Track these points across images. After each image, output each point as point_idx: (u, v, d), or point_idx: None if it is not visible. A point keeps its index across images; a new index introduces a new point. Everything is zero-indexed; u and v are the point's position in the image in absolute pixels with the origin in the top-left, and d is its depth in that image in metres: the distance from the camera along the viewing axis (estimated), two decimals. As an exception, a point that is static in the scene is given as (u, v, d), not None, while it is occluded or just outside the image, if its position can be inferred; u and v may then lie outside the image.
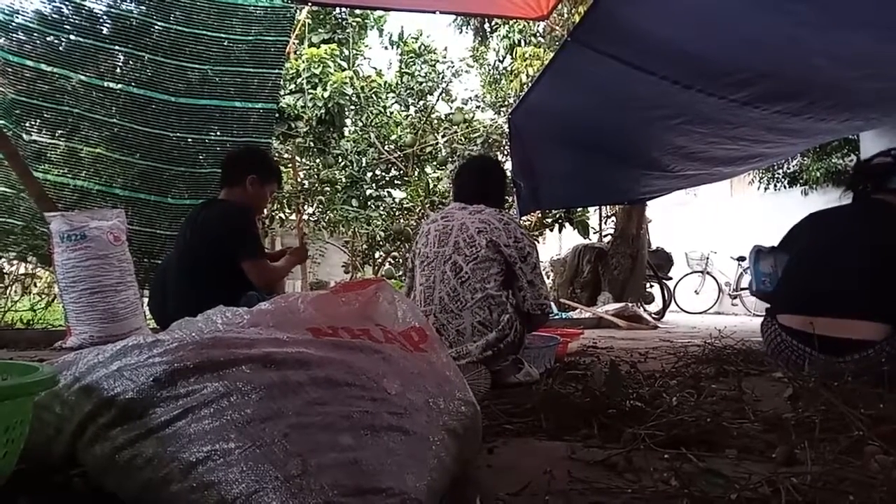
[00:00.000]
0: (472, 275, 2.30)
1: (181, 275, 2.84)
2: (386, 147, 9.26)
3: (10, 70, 4.43)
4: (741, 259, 8.62)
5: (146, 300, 3.81)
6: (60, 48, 4.52)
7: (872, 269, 2.30)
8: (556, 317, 6.63)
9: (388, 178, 9.42)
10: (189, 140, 5.27)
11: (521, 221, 8.08)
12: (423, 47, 9.69)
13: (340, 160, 8.69)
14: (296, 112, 7.95)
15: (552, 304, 7.38)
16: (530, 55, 8.77)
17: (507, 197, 3.23)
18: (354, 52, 9.70)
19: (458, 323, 2.27)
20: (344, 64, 8.80)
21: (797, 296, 2.49)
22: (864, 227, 2.44)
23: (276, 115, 6.31)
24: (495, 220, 2.39)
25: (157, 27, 4.71)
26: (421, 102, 9.66)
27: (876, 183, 2.50)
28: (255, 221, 2.93)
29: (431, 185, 8.76)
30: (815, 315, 2.24)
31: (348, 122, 9.06)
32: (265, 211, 7.73)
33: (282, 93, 7.64)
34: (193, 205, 5.14)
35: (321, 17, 9.38)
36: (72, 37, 4.53)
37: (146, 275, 5.12)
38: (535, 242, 2.61)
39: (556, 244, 14.13)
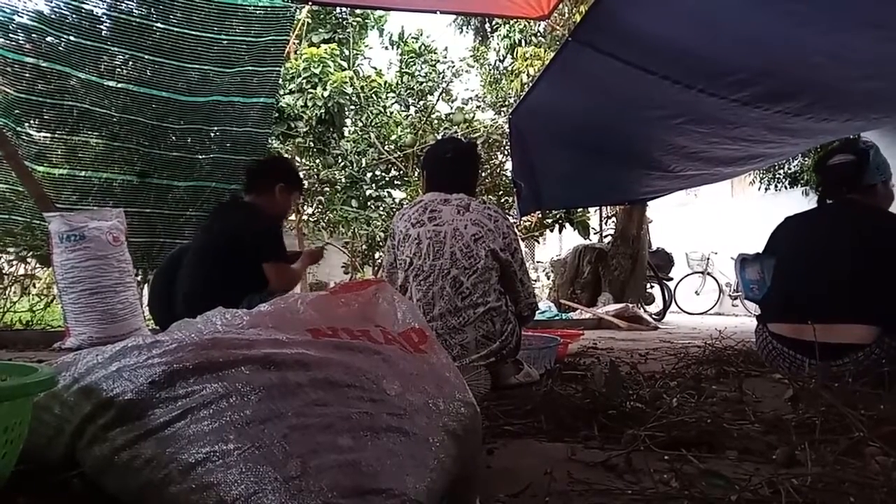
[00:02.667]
0: (473, 289, 2.21)
1: (199, 271, 2.82)
2: (386, 147, 9.25)
3: (9, 70, 4.43)
4: (741, 259, 8.59)
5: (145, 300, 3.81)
6: (60, 48, 4.52)
7: (857, 272, 2.30)
8: (557, 317, 6.63)
9: (388, 179, 9.40)
10: (189, 140, 5.28)
11: (522, 221, 8.09)
12: (423, 47, 9.67)
13: (340, 160, 8.68)
14: (295, 112, 7.94)
15: (549, 302, 7.42)
16: (531, 55, 8.76)
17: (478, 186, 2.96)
18: (354, 51, 9.69)
19: (462, 338, 2.20)
20: (344, 64, 8.79)
21: (784, 303, 2.49)
22: (845, 230, 2.43)
23: (275, 110, 6.32)
24: (485, 218, 2.31)
25: (157, 28, 4.71)
26: (421, 102, 9.65)
27: (850, 183, 2.49)
28: (281, 226, 3.03)
29: (431, 186, 8.73)
30: (803, 322, 2.23)
31: (348, 122, 9.05)
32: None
33: (282, 92, 7.63)
34: (193, 202, 5.19)
35: (321, 16, 9.37)
36: (71, 37, 4.53)
37: (145, 275, 5.12)
38: (518, 234, 2.56)
39: (557, 245, 14.14)
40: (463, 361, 2.16)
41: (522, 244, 8.44)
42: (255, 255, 2.77)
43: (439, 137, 9.09)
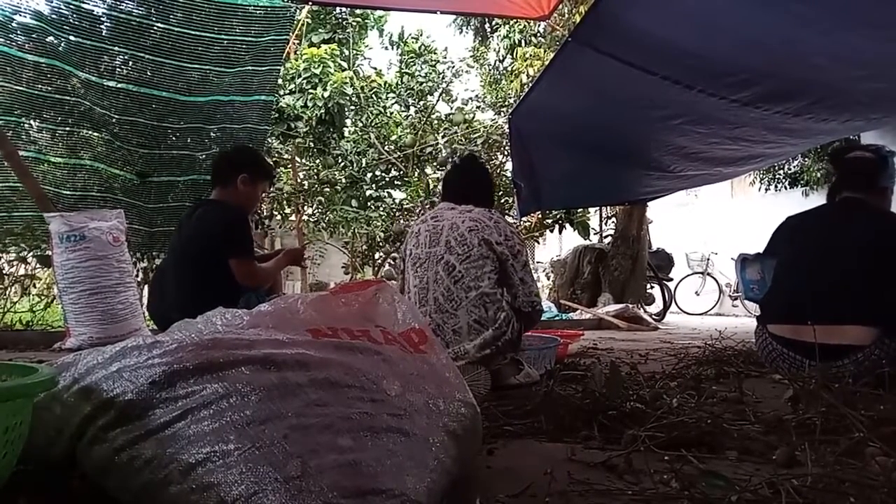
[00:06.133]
0: (465, 273, 2.28)
1: (178, 276, 2.83)
2: (386, 147, 9.24)
3: (9, 70, 4.43)
4: (742, 260, 8.60)
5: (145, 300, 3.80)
6: (60, 48, 4.52)
7: (859, 271, 2.30)
8: (557, 318, 6.63)
9: (388, 179, 9.39)
10: (189, 140, 5.28)
11: (522, 222, 8.10)
12: (423, 47, 9.67)
13: (340, 160, 8.68)
14: (295, 112, 7.94)
15: (549, 302, 7.43)
16: (531, 55, 8.76)
17: (495, 198, 3.20)
18: (354, 52, 9.69)
19: (454, 322, 2.25)
20: (344, 64, 8.79)
21: (785, 304, 2.49)
22: (849, 229, 2.45)
23: (275, 110, 6.33)
24: (485, 217, 2.39)
25: (157, 28, 4.71)
26: (421, 103, 9.64)
27: (868, 177, 2.51)
28: (247, 221, 2.92)
29: (431, 186, 8.75)
30: (803, 323, 2.23)
31: (348, 122, 9.04)
32: (264, 210, 7.73)
33: (282, 93, 7.63)
34: (193, 200, 5.18)
35: (321, 16, 9.37)
36: (72, 37, 4.53)
37: (145, 275, 5.12)
38: (525, 241, 2.62)
39: (557, 245, 14.13)
40: (457, 349, 2.18)
41: (525, 247, 8.41)
42: (219, 253, 2.73)
43: (439, 137, 9.12)
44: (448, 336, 2.23)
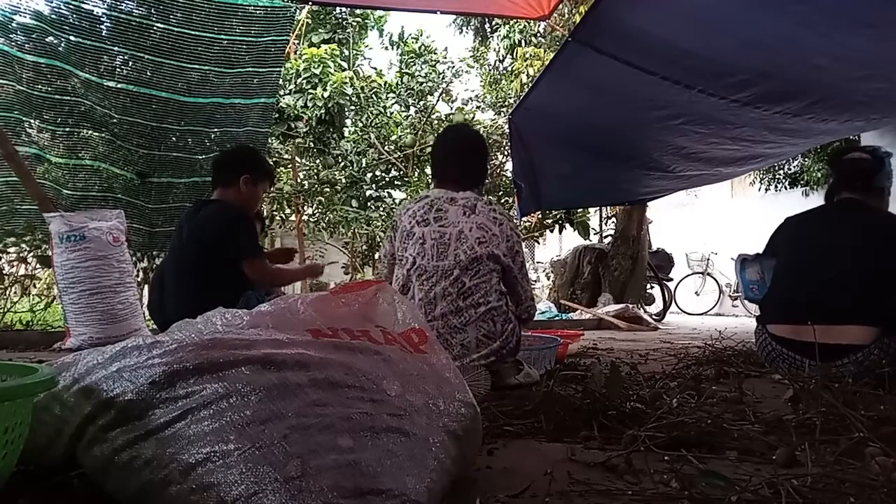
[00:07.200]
0: (474, 290, 2.23)
1: (178, 276, 2.83)
2: (386, 147, 9.24)
3: (9, 70, 4.43)
4: (742, 260, 8.60)
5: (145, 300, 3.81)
6: (60, 48, 4.52)
7: (858, 271, 2.31)
8: (557, 318, 6.63)
9: (388, 179, 9.39)
10: (189, 141, 5.28)
11: (522, 222, 8.10)
12: (423, 47, 9.67)
13: (340, 160, 8.68)
14: (295, 112, 7.94)
15: (549, 302, 7.42)
16: (531, 55, 8.77)
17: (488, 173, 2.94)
18: (354, 52, 9.69)
19: (463, 337, 2.22)
20: (344, 64, 8.79)
21: (784, 304, 2.50)
22: (847, 228, 2.46)
23: (275, 110, 6.34)
24: (490, 221, 2.32)
25: (157, 28, 4.71)
26: (421, 103, 9.64)
27: (865, 177, 2.53)
28: (251, 219, 2.93)
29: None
30: (803, 323, 2.23)
31: (348, 122, 9.04)
32: (264, 210, 7.72)
33: (282, 93, 7.63)
34: (193, 200, 5.18)
35: (321, 17, 9.38)
36: (72, 37, 4.53)
37: (145, 275, 5.12)
38: (521, 235, 2.57)
39: (557, 245, 14.14)
40: (464, 361, 2.17)
41: (523, 245, 8.43)
42: (221, 253, 2.72)
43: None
44: (456, 350, 2.19)
